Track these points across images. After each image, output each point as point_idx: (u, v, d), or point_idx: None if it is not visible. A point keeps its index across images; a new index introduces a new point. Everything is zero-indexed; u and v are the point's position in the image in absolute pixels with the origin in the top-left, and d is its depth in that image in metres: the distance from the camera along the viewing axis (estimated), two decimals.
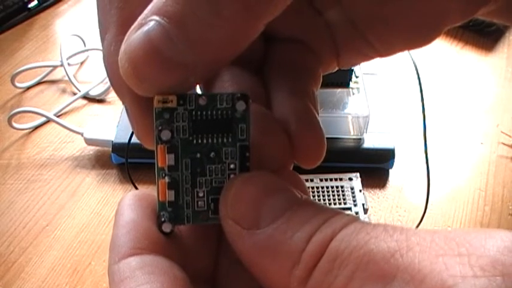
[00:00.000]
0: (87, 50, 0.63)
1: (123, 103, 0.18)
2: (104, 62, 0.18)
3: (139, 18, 0.15)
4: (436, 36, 0.20)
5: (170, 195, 0.17)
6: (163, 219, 0.17)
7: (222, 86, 0.19)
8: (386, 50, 0.21)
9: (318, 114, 0.20)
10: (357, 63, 0.23)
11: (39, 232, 0.45)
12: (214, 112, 0.17)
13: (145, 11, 0.15)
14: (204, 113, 0.17)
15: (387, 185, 0.49)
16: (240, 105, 0.17)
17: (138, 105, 0.17)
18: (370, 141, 0.49)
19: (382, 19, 0.20)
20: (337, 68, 0.22)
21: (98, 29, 0.18)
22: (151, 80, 0.15)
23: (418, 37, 0.20)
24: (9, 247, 0.44)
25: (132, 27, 0.15)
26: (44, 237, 0.44)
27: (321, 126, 0.19)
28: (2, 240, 0.44)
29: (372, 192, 0.48)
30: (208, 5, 0.14)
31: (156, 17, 0.14)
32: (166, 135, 0.17)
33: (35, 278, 0.41)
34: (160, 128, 0.17)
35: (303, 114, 0.19)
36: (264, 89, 0.20)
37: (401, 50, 0.21)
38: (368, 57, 0.22)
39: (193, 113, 0.17)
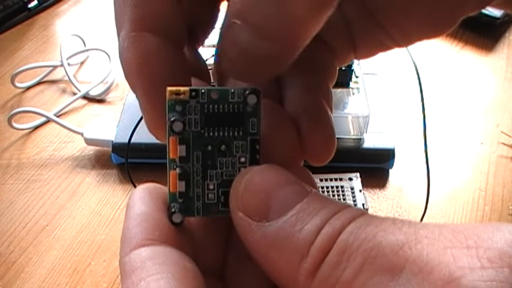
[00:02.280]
0: (87, 50, 0.63)
1: (136, 96, 0.18)
2: (119, 57, 0.18)
3: (226, 20, 0.16)
4: (453, 25, 0.20)
5: (181, 186, 0.18)
6: (173, 209, 0.18)
7: (235, 81, 0.19)
8: (403, 39, 0.21)
9: (332, 110, 0.20)
10: (375, 54, 0.23)
11: (39, 232, 0.45)
12: (225, 106, 0.17)
13: (229, 12, 0.16)
14: (216, 106, 0.17)
15: (387, 185, 0.49)
16: (251, 99, 0.17)
17: (151, 98, 0.18)
18: (370, 141, 0.49)
19: (399, 7, 0.20)
20: (354, 60, 0.23)
21: (115, 26, 0.19)
22: (250, 75, 0.17)
23: (436, 25, 0.20)
24: (9, 247, 0.44)
25: (223, 31, 0.17)
26: (44, 237, 0.44)
27: (333, 124, 0.19)
28: (2, 240, 0.44)
29: (372, 192, 0.48)
30: (275, 4, 0.15)
31: (237, 21, 0.16)
32: (178, 126, 0.17)
33: (35, 278, 0.41)
34: (172, 119, 0.17)
35: (314, 110, 0.19)
36: (277, 85, 0.20)
37: (419, 39, 0.21)
38: (386, 47, 0.22)
39: (205, 106, 0.17)
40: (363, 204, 0.45)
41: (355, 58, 0.22)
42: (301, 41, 0.16)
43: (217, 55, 0.18)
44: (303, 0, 0.15)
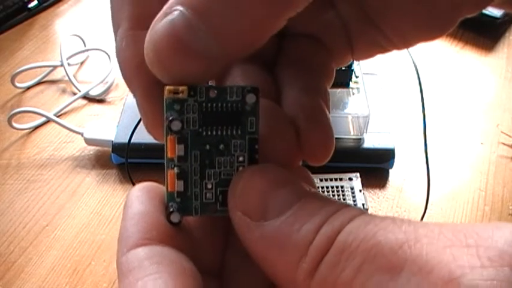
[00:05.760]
0: (87, 50, 0.63)
1: (134, 95, 0.18)
2: (116, 56, 0.18)
3: (165, 7, 0.15)
4: (450, 27, 0.20)
5: (179, 186, 0.18)
6: (171, 209, 0.17)
7: (233, 81, 0.19)
8: (401, 41, 0.21)
9: (329, 111, 0.20)
10: (372, 55, 0.22)
11: (39, 232, 0.45)
12: (224, 104, 0.17)
13: (171, 1, 0.15)
14: (214, 105, 0.17)
15: (387, 185, 0.49)
16: (250, 98, 0.17)
17: (148, 97, 0.18)
18: (370, 141, 0.49)
19: (396, 9, 0.20)
20: (351, 61, 0.22)
21: (112, 24, 0.18)
22: (173, 68, 0.16)
23: (433, 27, 0.20)
24: (9, 247, 0.44)
25: (158, 16, 0.15)
26: (44, 237, 0.44)
27: (330, 124, 0.19)
28: (2, 240, 0.44)
29: (372, 192, 0.48)
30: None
31: (180, 7, 0.15)
32: (176, 125, 0.17)
33: (35, 278, 0.41)
34: (170, 118, 0.17)
35: (312, 111, 0.19)
36: (276, 86, 0.20)
37: (416, 41, 0.21)
38: (383, 49, 0.22)
39: (204, 104, 0.17)
40: (363, 204, 0.45)
41: (353, 59, 0.22)
42: (249, 46, 0.16)
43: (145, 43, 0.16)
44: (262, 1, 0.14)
